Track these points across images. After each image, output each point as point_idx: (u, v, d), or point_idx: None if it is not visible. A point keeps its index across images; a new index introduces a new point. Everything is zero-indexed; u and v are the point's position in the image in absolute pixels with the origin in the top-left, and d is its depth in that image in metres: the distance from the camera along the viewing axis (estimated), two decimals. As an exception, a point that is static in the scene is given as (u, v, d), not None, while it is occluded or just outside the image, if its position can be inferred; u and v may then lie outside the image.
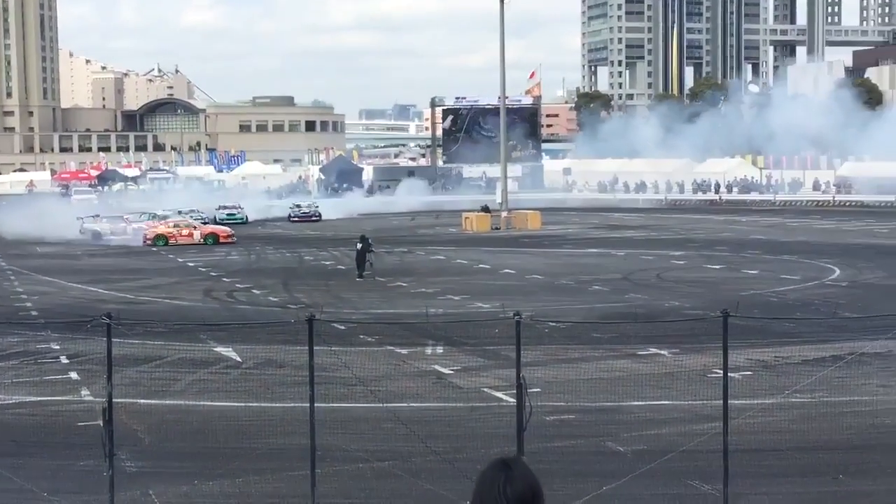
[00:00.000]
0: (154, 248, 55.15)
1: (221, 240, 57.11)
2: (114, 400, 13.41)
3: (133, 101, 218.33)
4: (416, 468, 15.39)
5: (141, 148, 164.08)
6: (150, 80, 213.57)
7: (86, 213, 65.05)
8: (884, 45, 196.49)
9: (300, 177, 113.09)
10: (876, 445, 16.66)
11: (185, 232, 57.57)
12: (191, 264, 47.40)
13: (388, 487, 15.00)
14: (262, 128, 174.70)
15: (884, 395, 20.45)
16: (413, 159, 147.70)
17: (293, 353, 20.63)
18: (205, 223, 62.19)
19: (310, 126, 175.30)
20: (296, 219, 74.87)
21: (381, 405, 17.51)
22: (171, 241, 56.90)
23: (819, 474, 15.40)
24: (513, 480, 3.97)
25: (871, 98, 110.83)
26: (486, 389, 20.71)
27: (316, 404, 13.48)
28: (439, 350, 25.32)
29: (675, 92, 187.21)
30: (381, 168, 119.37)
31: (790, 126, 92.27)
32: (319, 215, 75.17)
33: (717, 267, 43.61)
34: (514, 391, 13.77)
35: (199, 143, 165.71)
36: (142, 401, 19.62)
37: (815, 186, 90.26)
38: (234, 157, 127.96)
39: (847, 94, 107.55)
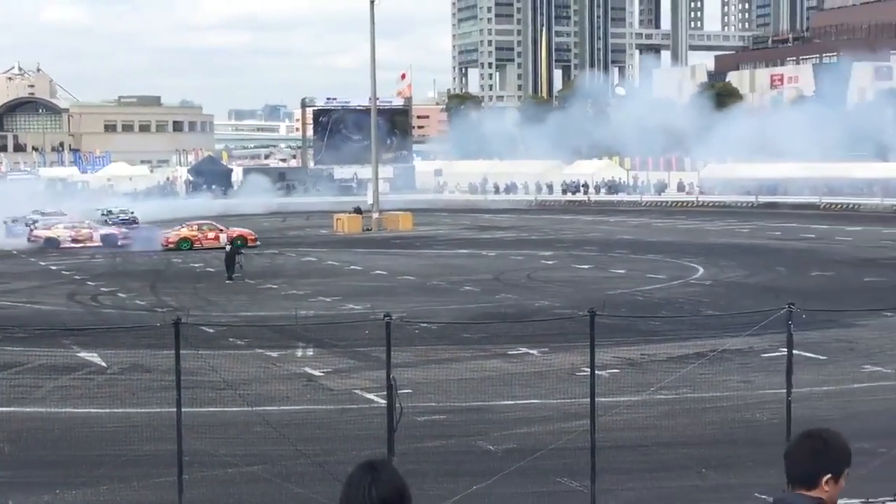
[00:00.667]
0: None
1: (250, 243, 53.23)
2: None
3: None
4: (286, 472, 15.24)
5: (0, 149, 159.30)
6: (10, 79, 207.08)
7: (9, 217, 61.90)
8: (744, 50, 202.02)
9: (168, 178, 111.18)
10: (737, 440, 17.10)
11: (210, 235, 54.60)
12: (53, 268, 46.17)
13: (258, 492, 14.82)
14: (128, 128, 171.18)
15: (745, 390, 21.01)
16: (284, 160, 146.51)
17: (160, 358, 20.26)
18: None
19: (177, 126, 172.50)
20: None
21: (250, 409, 17.30)
22: (196, 245, 54.00)
23: (683, 469, 15.73)
24: (378, 482, 3.94)
25: (732, 101, 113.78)
26: (357, 391, 20.64)
27: (183, 409, 13.24)
28: (310, 352, 25.16)
29: (545, 94, 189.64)
30: (251, 169, 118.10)
31: (655, 128, 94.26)
32: (136, 220, 67.47)
33: (585, 266, 44.28)
34: (385, 392, 13.74)
35: (62, 144, 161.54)
36: (1, 409, 19.02)
37: (680, 187, 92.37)
38: (98, 157, 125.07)
39: (708, 97, 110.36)
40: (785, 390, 13.35)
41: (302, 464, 15.15)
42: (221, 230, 55.06)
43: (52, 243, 54.63)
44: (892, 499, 11.71)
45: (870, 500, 11.80)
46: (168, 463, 13.56)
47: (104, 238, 55.62)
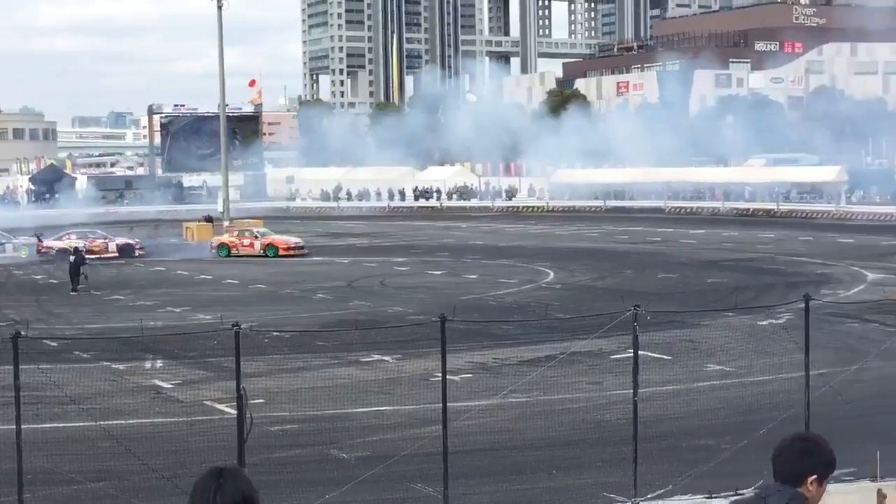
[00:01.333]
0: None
1: (282, 252, 51.99)
2: None
3: None
4: (134, 487, 14.87)
5: None
6: None
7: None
8: (591, 58, 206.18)
9: (8, 187, 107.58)
10: (587, 440, 17.39)
11: (245, 242, 52.89)
12: None
13: (104, 509, 14.43)
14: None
15: (594, 391, 21.40)
16: (130, 168, 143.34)
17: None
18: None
19: (18, 134, 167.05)
20: None
21: (95, 424, 16.81)
22: (234, 252, 52.47)
23: (535, 471, 15.92)
24: (224, 489, 3.86)
25: (580, 108, 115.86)
26: (207, 402, 20.29)
27: (24, 426, 12.79)
28: (159, 364, 24.63)
29: (396, 100, 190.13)
30: (98, 177, 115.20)
31: (504, 134, 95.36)
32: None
33: (438, 272, 44.48)
34: (236, 403, 13.53)
35: None
36: None
37: (530, 193, 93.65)
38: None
39: (556, 104, 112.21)
40: (632, 391, 13.61)
41: (150, 478, 14.79)
42: (256, 237, 53.48)
43: (62, 255, 49.92)
44: (733, 493, 12.05)
45: (713, 494, 12.12)
46: (7, 482, 13.07)
47: (121, 248, 53.10)
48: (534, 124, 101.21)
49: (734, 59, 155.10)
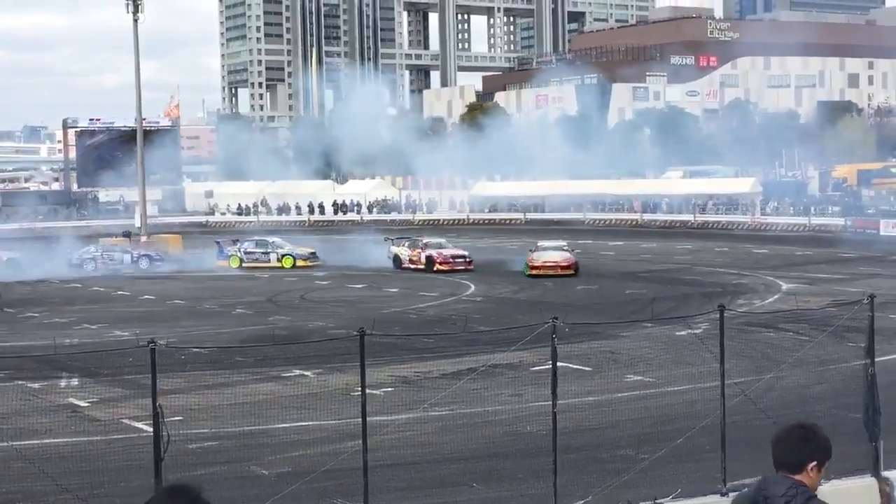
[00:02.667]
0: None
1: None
2: None
3: None
4: (49, 508, 14.60)
5: None
6: None
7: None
8: (510, 71, 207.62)
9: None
10: (509, 453, 17.43)
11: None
12: None
13: (18, 531, 14.13)
14: None
15: (515, 403, 21.47)
16: (45, 183, 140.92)
17: None
18: None
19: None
20: None
21: (7, 444, 16.45)
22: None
23: (456, 484, 15.92)
24: None
25: (499, 121, 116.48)
26: (125, 420, 19.97)
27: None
28: (74, 382, 24.20)
29: (316, 113, 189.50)
30: (9, 193, 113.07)
31: (426, 147, 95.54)
32: None
33: (359, 286, 44.37)
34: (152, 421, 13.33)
35: None
36: None
37: (451, 206, 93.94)
38: None
39: (477, 117, 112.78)
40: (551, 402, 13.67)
41: (64, 499, 14.52)
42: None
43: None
44: (651, 502, 12.17)
45: (631, 503, 12.23)
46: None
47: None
48: (453, 137, 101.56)
49: (651, 73, 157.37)
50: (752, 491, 5.13)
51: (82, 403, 21.85)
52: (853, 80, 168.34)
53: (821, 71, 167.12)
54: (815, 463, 5.08)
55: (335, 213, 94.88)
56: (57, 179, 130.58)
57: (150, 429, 13.82)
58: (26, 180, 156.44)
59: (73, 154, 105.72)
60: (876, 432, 12.98)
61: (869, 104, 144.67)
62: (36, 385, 23.26)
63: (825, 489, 12.66)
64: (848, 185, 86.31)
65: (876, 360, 13.66)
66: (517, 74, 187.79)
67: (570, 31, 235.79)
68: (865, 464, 13.09)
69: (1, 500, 14.96)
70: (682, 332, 27.54)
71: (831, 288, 39.11)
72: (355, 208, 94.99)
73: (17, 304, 39.58)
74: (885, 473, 12.77)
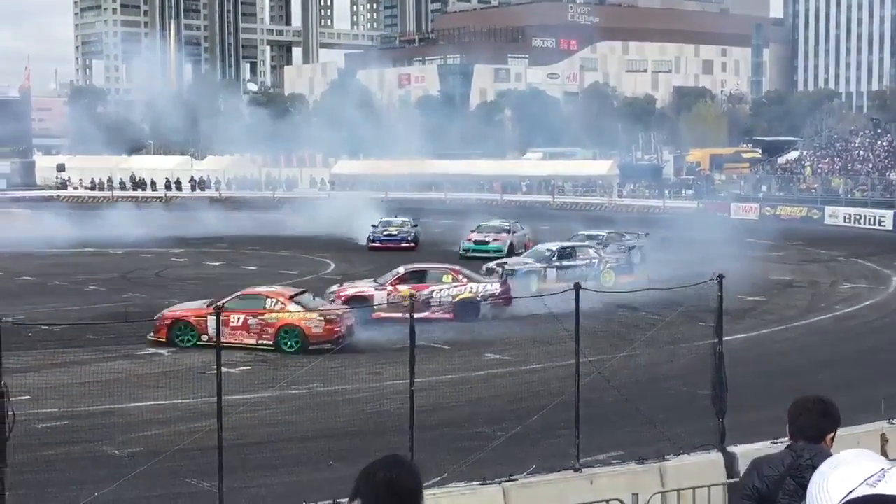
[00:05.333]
0: None
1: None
2: None
3: None
4: None
5: None
6: None
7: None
8: (372, 49, 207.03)
9: None
10: (367, 431, 17.44)
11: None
12: None
13: None
14: None
15: (374, 381, 21.48)
16: None
17: None
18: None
19: None
20: None
21: None
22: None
23: (313, 462, 15.86)
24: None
25: (360, 100, 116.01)
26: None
27: None
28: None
29: (174, 88, 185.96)
30: None
31: (286, 125, 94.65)
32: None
33: (217, 263, 43.76)
34: (-3, 401, 12.91)
35: None
36: None
37: (312, 183, 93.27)
38: None
39: (341, 94, 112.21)
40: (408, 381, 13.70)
41: None
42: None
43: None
44: (506, 479, 12.31)
45: (487, 480, 12.34)
46: None
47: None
48: (314, 115, 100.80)
49: (512, 55, 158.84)
50: (787, 457, 5.44)
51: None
52: (707, 67, 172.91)
53: (677, 57, 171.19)
54: (832, 434, 5.50)
55: (192, 189, 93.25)
56: None
57: (-5, 409, 13.40)
58: None
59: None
60: (723, 409, 13.37)
61: (722, 91, 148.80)
62: None
63: (675, 464, 12.99)
64: (701, 169, 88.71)
65: (723, 339, 14.05)
66: (379, 53, 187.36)
67: (433, 12, 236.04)
68: (712, 439, 13.47)
69: None
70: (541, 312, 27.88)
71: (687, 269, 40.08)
72: (213, 185, 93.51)
73: None
74: (730, 448, 13.17)
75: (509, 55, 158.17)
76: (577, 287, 13.79)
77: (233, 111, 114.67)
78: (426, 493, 13.17)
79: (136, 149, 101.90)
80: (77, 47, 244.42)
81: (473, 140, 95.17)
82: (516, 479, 12.36)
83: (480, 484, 12.26)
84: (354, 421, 18.10)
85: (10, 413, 12.17)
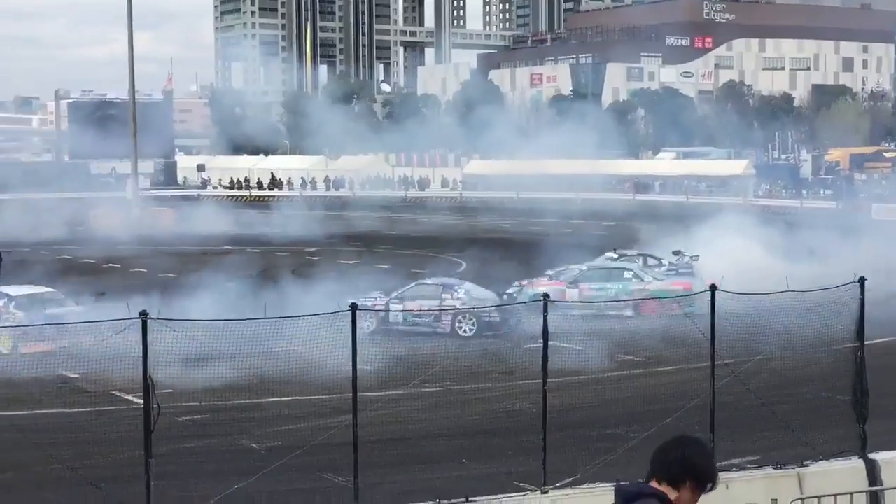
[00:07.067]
0: None
1: None
2: None
3: None
4: (39, 479, 14.61)
5: None
6: None
7: None
8: (505, 49, 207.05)
9: None
10: (499, 430, 17.49)
11: None
12: None
13: (7, 501, 14.15)
14: None
15: (506, 380, 21.52)
16: (37, 154, 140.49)
17: None
18: None
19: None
20: None
21: (-1, 414, 16.50)
22: None
23: (446, 460, 15.97)
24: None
25: (493, 100, 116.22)
26: (115, 392, 19.97)
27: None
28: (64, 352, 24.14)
29: (309, 89, 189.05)
30: (1, 164, 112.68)
31: (421, 124, 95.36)
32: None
33: (350, 262, 44.33)
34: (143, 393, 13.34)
35: None
36: None
37: (444, 184, 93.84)
38: None
39: (473, 94, 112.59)
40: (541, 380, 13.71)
41: (54, 469, 14.53)
42: None
43: None
44: (643, 481, 12.22)
45: (620, 482, 12.26)
46: None
47: None
48: (446, 115, 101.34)
49: (646, 54, 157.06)
50: None
51: (73, 375, 21.81)
52: (847, 64, 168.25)
53: (815, 54, 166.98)
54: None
55: (327, 189, 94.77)
56: (48, 150, 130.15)
57: (141, 401, 13.85)
58: (17, 152, 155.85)
59: (64, 125, 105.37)
60: (864, 415, 13.04)
61: (863, 88, 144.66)
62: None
63: (814, 470, 12.70)
64: (840, 168, 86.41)
65: (865, 343, 13.71)
66: (512, 53, 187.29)
67: (566, 11, 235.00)
68: (852, 446, 13.14)
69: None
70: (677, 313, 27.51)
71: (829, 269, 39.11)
72: (347, 184, 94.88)
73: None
74: (872, 455, 12.84)
75: (642, 54, 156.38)
76: (713, 289, 13.61)
77: (366, 112, 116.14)
78: (559, 493, 13.18)
79: (272, 149, 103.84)
80: (217, 50, 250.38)
81: (606, 140, 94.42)
82: (650, 482, 12.25)
83: (614, 485, 12.19)
84: (487, 419, 18.18)
85: (154, 406, 12.59)
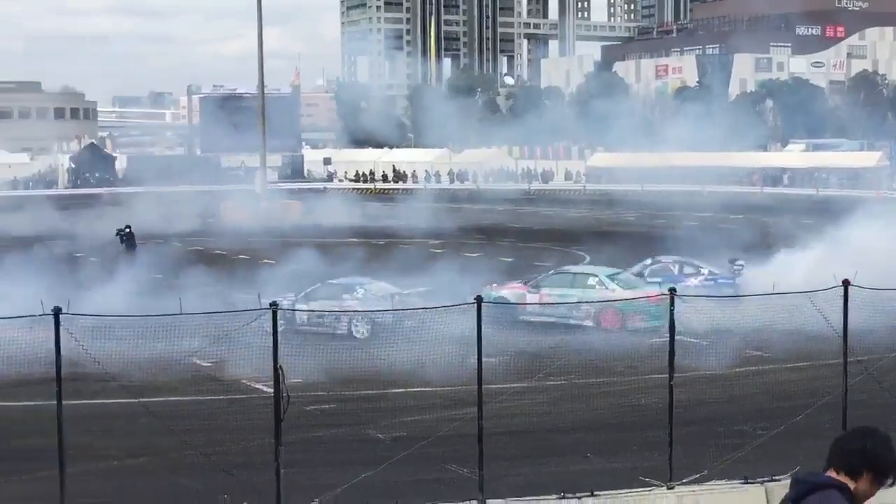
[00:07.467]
0: None
1: None
2: None
3: None
4: (173, 464, 15.03)
5: None
6: None
7: None
8: (629, 41, 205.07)
9: (49, 166, 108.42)
10: (624, 424, 17.39)
11: None
12: None
13: (143, 484, 14.60)
14: (6, 114, 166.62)
15: (631, 375, 21.36)
16: (170, 148, 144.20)
17: (40, 350, 19.75)
18: None
19: (59, 113, 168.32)
20: None
21: (135, 400, 16.99)
22: None
23: (571, 454, 15.94)
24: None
25: (618, 92, 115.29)
26: (245, 381, 20.42)
27: (64, 402, 12.93)
28: (197, 342, 24.74)
29: (433, 82, 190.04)
30: (136, 157, 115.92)
31: (543, 116, 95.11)
32: None
33: (474, 255, 44.46)
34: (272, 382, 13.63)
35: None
36: None
37: (567, 176, 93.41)
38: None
39: (597, 86, 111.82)
40: (667, 375, 13.60)
41: (188, 455, 14.94)
42: None
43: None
44: (769, 479, 12.02)
45: (749, 480, 12.10)
46: (49, 457, 13.24)
47: None
48: (572, 107, 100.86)
49: (775, 43, 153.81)
50: None
51: (204, 363, 22.35)
52: None
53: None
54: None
55: (451, 182, 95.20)
56: (180, 144, 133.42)
57: (269, 390, 14.16)
58: (151, 145, 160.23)
59: (196, 119, 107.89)
60: None
61: None
62: (161, 344, 23.83)
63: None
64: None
65: None
66: (637, 44, 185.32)
67: (692, 1, 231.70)
68: None
69: (129, 453, 15.46)
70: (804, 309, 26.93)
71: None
72: (470, 177, 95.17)
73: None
74: None
75: (771, 44, 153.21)
76: (847, 283, 13.31)
77: (490, 104, 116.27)
78: (685, 489, 13.05)
79: (397, 142, 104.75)
80: (343, 44, 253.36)
81: (733, 131, 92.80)
82: (779, 480, 12.07)
83: (742, 482, 12.04)
84: (612, 413, 18.09)
85: (284, 395, 12.86)
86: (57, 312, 12.78)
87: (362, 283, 28.14)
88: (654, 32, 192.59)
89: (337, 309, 25.63)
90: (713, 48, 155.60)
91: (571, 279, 29.01)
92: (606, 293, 27.67)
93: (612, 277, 28.97)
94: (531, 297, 27.91)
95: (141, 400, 17.03)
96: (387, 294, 27.07)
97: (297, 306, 25.58)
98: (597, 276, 29.01)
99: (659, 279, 29.71)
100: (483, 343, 13.54)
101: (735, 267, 31.68)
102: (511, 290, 28.21)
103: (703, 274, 31.29)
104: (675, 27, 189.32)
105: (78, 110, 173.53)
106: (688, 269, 31.57)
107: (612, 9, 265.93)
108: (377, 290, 27.36)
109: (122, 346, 22.89)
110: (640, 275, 30.78)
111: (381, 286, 27.87)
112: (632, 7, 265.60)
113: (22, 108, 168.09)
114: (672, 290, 14.02)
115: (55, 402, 12.82)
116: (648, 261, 32.67)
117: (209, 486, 14.09)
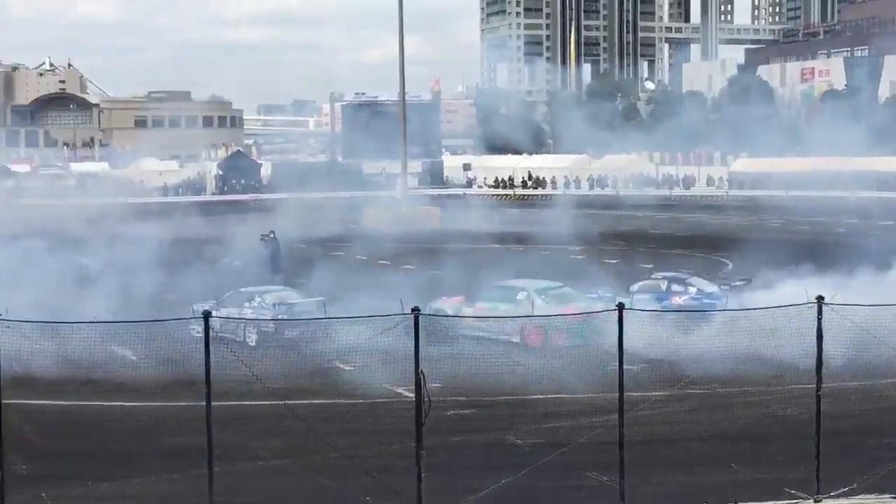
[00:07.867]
0: None
1: None
2: (3, 401, 13.07)
3: (23, 96, 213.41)
4: (316, 466, 15.31)
5: (32, 144, 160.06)
6: (41, 74, 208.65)
7: None
8: (774, 44, 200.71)
9: (198, 173, 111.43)
10: (768, 434, 17.04)
11: None
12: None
13: (287, 485, 14.90)
14: (157, 123, 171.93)
15: (776, 385, 20.91)
16: (312, 155, 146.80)
17: (191, 351, 20.33)
18: None
19: (207, 121, 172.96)
20: None
21: (280, 402, 17.37)
22: None
23: (713, 463, 15.69)
24: None
25: (762, 96, 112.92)
26: (386, 385, 20.65)
27: (213, 402, 13.31)
28: (338, 347, 25.12)
29: (573, 88, 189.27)
30: (281, 164, 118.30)
31: (683, 122, 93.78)
32: None
33: (613, 261, 44.10)
34: (414, 387, 13.77)
35: (92, 139, 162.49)
36: (32, 401, 19.15)
37: (709, 182, 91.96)
38: (129, 152, 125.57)
39: (738, 91, 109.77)
40: (814, 385, 13.28)
41: (332, 458, 15.19)
42: None
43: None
44: (923, 494, 11.64)
45: (901, 495, 11.74)
46: (198, 456, 13.63)
47: None
48: (714, 112, 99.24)
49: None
50: None
51: (346, 367, 22.69)
52: None
53: None
54: None
55: (590, 188, 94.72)
56: (323, 151, 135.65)
57: (410, 394, 14.31)
58: (295, 152, 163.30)
59: (339, 126, 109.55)
60: None
61: None
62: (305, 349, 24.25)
63: None
64: None
65: None
66: (781, 47, 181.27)
67: (839, 2, 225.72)
68: None
69: (274, 454, 15.80)
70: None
71: None
72: (609, 183, 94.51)
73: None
74: None
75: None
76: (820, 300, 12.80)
77: (630, 110, 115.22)
78: (833, 502, 12.73)
79: (536, 148, 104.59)
80: (482, 51, 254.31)
81: (883, 136, 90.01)
82: None
83: (893, 497, 11.69)
84: (755, 424, 17.73)
85: (425, 399, 12.98)
86: (206, 315, 13.16)
87: (266, 291, 28.27)
88: (800, 35, 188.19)
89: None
90: (861, 50, 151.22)
91: (503, 293, 28.29)
92: (534, 308, 26.87)
93: (542, 292, 28.00)
94: (468, 311, 27.22)
95: (285, 402, 17.40)
96: (281, 303, 27.16)
97: (214, 312, 25.87)
98: (525, 290, 28.09)
99: (647, 296, 29.36)
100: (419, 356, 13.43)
101: (723, 287, 31.36)
102: (450, 304, 27.78)
103: (690, 293, 30.68)
104: (821, 29, 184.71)
105: (225, 118, 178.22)
106: (676, 287, 30.89)
107: (756, 11, 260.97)
108: (273, 299, 27.44)
109: (267, 348, 23.43)
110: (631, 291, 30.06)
111: (282, 295, 27.96)
112: (776, 9, 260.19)
113: (172, 116, 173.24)
114: (620, 305, 14.05)
115: (204, 403, 13.20)
116: (660, 275, 32.26)
117: (351, 488, 14.31)
